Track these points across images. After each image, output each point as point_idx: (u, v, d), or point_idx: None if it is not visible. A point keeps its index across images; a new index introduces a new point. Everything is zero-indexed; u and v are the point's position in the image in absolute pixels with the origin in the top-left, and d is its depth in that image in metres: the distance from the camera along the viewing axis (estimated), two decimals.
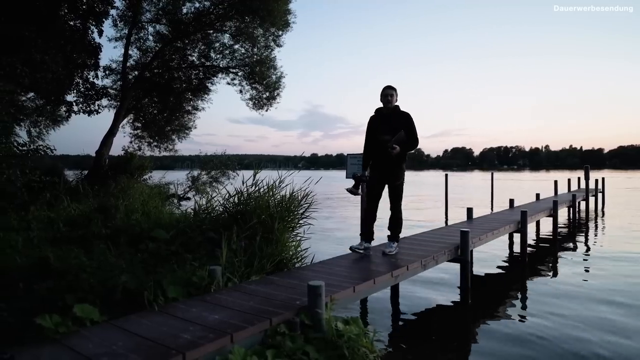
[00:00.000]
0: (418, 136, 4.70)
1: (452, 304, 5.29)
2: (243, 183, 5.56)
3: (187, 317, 2.75)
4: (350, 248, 4.83)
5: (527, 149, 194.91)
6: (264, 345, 2.60)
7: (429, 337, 4.26)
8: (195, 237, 4.89)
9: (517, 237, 8.38)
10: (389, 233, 5.00)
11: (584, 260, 7.87)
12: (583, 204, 16.38)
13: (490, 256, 7.97)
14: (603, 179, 20.27)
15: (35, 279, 3.77)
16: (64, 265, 4.02)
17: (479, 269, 6.90)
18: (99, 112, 12.00)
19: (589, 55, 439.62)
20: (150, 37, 14.36)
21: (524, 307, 5.21)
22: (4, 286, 3.63)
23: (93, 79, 11.63)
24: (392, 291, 5.40)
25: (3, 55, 7.71)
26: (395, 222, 4.93)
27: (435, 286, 5.95)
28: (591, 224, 13.04)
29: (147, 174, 13.00)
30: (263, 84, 14.30)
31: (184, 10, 13.44)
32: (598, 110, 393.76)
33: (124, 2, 13.07)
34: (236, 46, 14.17)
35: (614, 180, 42.57)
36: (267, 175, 5.67)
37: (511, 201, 11.36)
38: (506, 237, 8.79)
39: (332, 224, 12.88)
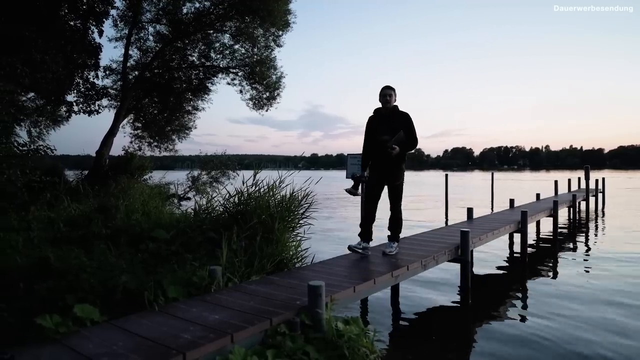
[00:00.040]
0: (417, 136, 4.70)
1: (452, 304, 5.29)
2: (243, 183, 5.57)
3: (188, 317, 2.75)
4: (349, 247, 4.82)
5: (527, 149, 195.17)
6: (264, 345, 2.60)
7: (430, 337, 4.25)
8: (195, 237, 4.89)
9: (517, 237, 8.38)
10: (389, 233, 5.00)
11: (584, 260, 7.87)
12: (583, 204, 16.38)
13: (490, 256, 7.97)
14: (603, 179, 20.27)
15: (35, 279, 3.77)
16: (64, 265, 4.02)
17: (479, 269, 6.90)
18: (99, 112, 12.02)
19: (589, 55, 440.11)
20: (151, 37, 14.39)
21: (524, 307, 5.21)
22: (4, 286, 3.63)
23: (93, 79, 11.66)
24: (392, 291, 5.40)
25: (3, 55, 7.71)
26: (395, 222, 4.93)
27: (435, 286, 5.95)
28: (591, 224, 13.03)
29: (148, 174, 13.01)
30: (263, 84, 14.30)
31: (184, 11, 13.46)
32: (598, 110, 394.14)
33: (124, 2, 13.08)
34: (236, 46, 14.18)
35: (615, 181, 42.56)
36: (267, 176, 5.67)
37: (511, 201, 11.36)
38: (506, 237, 8.79)
39: (332, 224, 12.88)
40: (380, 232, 5.42)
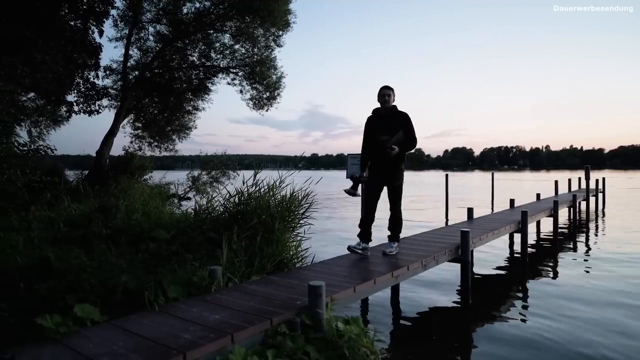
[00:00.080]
0: (416, 136, 4.68)
1: (452, 304, 5.28)
2: (243, 183, 5.57)
3: (188, 317, 2.75)
4: (349, 248, 4.80)
5: (527, 149, 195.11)
6: (264, 345, 2.60)
7: (430, 338, 4.25)
8: (195, 237, 4.89)
9: (517, 237, 8.38)
10: (389, 233, 5.00)
11: (585, 260, 7.86)
12: (584, 204, 16.37)
13: (490, 256, 7.97)
14: (603, 179, 20.27)
15: (35, 279, 3.77)
16: (65, 265, 4.02)
17: (479, 269, 6.89)
18: (100, 112, 12.03)
19: (589, 55, 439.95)
20: (151, 37, 14.40)
21: (524, 308, 5.20)
22: (4, 286, 3.63)
23: (93, 79, 11.67)
24: (392, 291, 5.39)
25: (3, 55, 7.71)
26: (395, 222, 4.92)
27: (435, 286, 5.95)
28: (592, 224, 13.03)
29: (148, 174, 13.01)
30: (263, 84, 14.31)
31: (185, 11, 13.47)
32: (598, 110, 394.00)
33: (124, 2, 13.09)
34: (236, 46, 14.19)
35: (615, 181, 42.55)
36: (268, 176, 5.67)
37: (512, 201, 11.36)
38: (507, 237, 8.79)
39: (332, 224, 12.88)
40: (380, 232, 5.42)
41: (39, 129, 14.48)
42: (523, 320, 4.67)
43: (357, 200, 4.94)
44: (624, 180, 45.88)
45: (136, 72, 14.08)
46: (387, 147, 4.48)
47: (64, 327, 2.48)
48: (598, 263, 7.54)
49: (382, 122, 4.69)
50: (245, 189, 5.48)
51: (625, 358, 3.70)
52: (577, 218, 13.66)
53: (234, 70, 14.41)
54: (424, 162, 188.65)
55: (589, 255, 8.33)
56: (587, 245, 9.58)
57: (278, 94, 14.65)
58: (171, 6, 13.20)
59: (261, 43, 13.88)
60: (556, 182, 17.47)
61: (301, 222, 5.46)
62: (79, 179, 11.76)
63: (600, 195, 18.77)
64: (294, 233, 5.31)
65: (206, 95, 15.35)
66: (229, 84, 14.74)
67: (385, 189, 4.82)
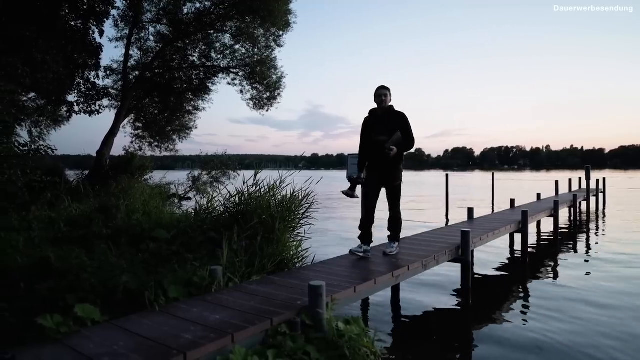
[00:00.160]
0: (414, 136, 4.66)
1: (453, 305, 5.28)
2: (244, 183, 5.57)
3: (188, 317, 2.75)
4: (350, 251, 4.77)
5: (527, 149, 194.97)
6: (265, 345, 2.60)
7: (430, 338, 4.25)
8: (196, 237, 4.90)
9: (518, 237, 8.38)
10: (389, 233, 4.99)
11: (585, 261, 7.86)
12: (584, 204, 16.37)
13: (491, 256, 7.97)
14: (604, 179, 20.25)
15: (36, 279, 3.77)
16: (65, 265, 4.02)
17: (480, 269, 6.89)
18: (100, 112, 12.04)
19: (589, 55, 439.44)
20: (151, 37, 14.42)
21: (525, 307, 5.20)
22: (5, 286, 3.63)
23: (94, 79, 11.68)
24: (393, 291, 5.39)
25: (4, 56, 7.72)
26: (395, 222, 4.90)
27: (436, 286, 5.94)
28: (592, 225, 13.02)
29: (148, 174, 13.01)
30: (264, 84, 14.31)
31: (185, 11, 13.47)
32: (598, 110, 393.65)
33: (124, 2, 13.10)
34: (237, 46, 14.19)
35: (615, 181, 42.52)
36: (268, 176, 5.67)
37: (512, 201, 11.36)
38: (507, 237, 8.79)
39: (332, 224, 12.88)
40: (380, 233, 5.42)
41: (40, 129, 14.50)
42: (523, 321, 4.67)
43: (357, 200, 4.93)
44: (625, 180, 45.85)
45: (136, 72, 14.09)
46: (386, 148, 4.44)
47: (65, 327, 2.49)
48: (599, 263, 7.54)
49: (379, 123, 4.66)
50: (246, 189, 5.48)
51: (626, 358, 3.70)
52: (578, 218, 13.66)
53: (235, 70, 14.42)
54: (424, 162, 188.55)
55: (589, 256, 8.32)
56: (587, 245, 9.58)
57: (278, 94, 14.67)
58: (171, 6, 13.21)
59: (261, 43, 13.89)
60: (557, 182, 17.45)
61: (301, 222, 5.46)
62: (79, 179, 11.77)
63: (600, 195, 18.76)
64: (295, 233, 5.31)
65: (206, 95, 15.38)
66: (229, 84, 14.77)
67: (383, 189, 4.80)
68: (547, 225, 10.84)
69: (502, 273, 7.03)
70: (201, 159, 15.89)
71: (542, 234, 10.64)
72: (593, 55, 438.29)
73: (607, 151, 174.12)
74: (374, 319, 4.69)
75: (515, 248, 8.75)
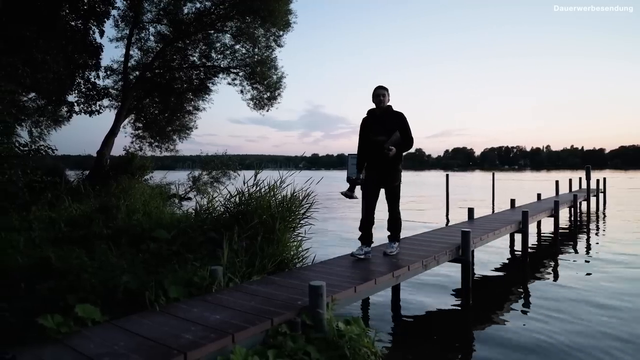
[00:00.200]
0: (413, 135, 4.64)
1: (453, 305, 5.28)
2: (244, 183, 5.56)
3: (189, 317, 2.75)
4: (352, 254, 4.73)
5: (528, 149, 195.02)
6: (265, 345, 2.60)
7: (430, 338, 4.25)
8: (196, 237, 4.89)
9: (518, 238, 8.38)
10: (389, 234, 4.98)
11: (586, 261, 7.85)
12: (584, 204, 16.36)
13: (491, 256, 7.96)
14: (604, 179, 20.24)
15: (36, 279, 3.78)
16: (66, 265, 4.03)
17: (480, 269, 6.89)
18: (100, 113, 12.04)
19: (589, 55, 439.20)
20: (152, 38, 14.42)
21: (525, 308, 5.20)
22: (5, 286, 3.63)
23: (94, 79, 11.69)
24: (393, 291, 5.39)
25: (4, 56, 7.72)
26: (395, 222, 4.90)
27: (436, 286, 5.94)
28: (592, 225, 13.02)
29: (148, 174, 13.02)
30: (264, 84, 14.31)
31: (185, 11, 13.48)
32: (599, 110, 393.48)
33: (125, 2, 13.10)
34: (237, 46, 14.19)
35: (616, 181, 42.49)
36: (268, 176, 5.67)
37: (512, 201, 11.35)
38: (507, 237, 8.79)
39: (333, 224, 12.88)
40: (380, 233, 5.42)
41: (40, 129, 14.51)
42: (524, 321, 4.67)
43: (357, 201, 4.93)
44: (625, 180, 45.83)
45: (137, 72, 14.09)
46: (385, 149, 4.42)
47: (65, 327, 2.49)
48: (599, 263, 7.53)
49: (377, 123, 4.64)
50: (246, 189, 5.48)
51: (627, 358, 3.69)
52: (578, 218, 13.65)
53: (235, 71, 14.42)
54: (424, 162, 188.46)
55: (590, 256, 8.32)
56: (588, 245, 9.57)
57: (279, 94, 14.67)
58: (172, 6, 13.21)
59: (262, 43, 13.89)
60: (557, 182, 17.44)
61: (302, 222, 5.46)
62: (79, 179, 11.78)
63: (601, 195, 18.75)
64: (295, 233, 5.31)
65: (207, 96, 15.38)
66: (229, 84, 14.77)
67: (383, 190, 4.79)
68: (548, 226, 10.84)
69: (503, 273, 7.02)
70: (201, 159, 15.90)
71: (542, 234, 10.64)
72: (593, 55, 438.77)
73: (607, 151, 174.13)
74: (374, 319, 4.69)
75: (515, 248, 8.76)
